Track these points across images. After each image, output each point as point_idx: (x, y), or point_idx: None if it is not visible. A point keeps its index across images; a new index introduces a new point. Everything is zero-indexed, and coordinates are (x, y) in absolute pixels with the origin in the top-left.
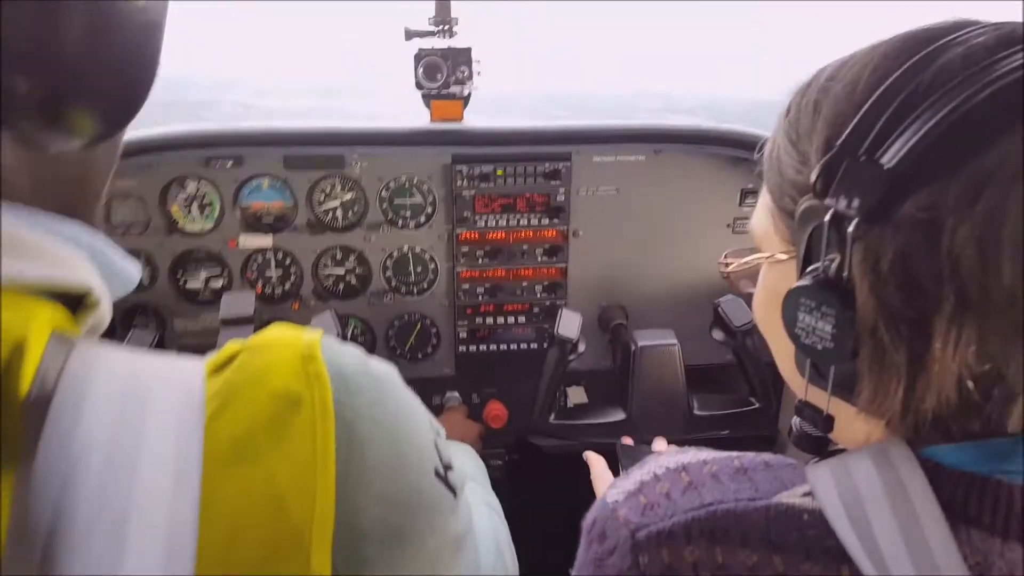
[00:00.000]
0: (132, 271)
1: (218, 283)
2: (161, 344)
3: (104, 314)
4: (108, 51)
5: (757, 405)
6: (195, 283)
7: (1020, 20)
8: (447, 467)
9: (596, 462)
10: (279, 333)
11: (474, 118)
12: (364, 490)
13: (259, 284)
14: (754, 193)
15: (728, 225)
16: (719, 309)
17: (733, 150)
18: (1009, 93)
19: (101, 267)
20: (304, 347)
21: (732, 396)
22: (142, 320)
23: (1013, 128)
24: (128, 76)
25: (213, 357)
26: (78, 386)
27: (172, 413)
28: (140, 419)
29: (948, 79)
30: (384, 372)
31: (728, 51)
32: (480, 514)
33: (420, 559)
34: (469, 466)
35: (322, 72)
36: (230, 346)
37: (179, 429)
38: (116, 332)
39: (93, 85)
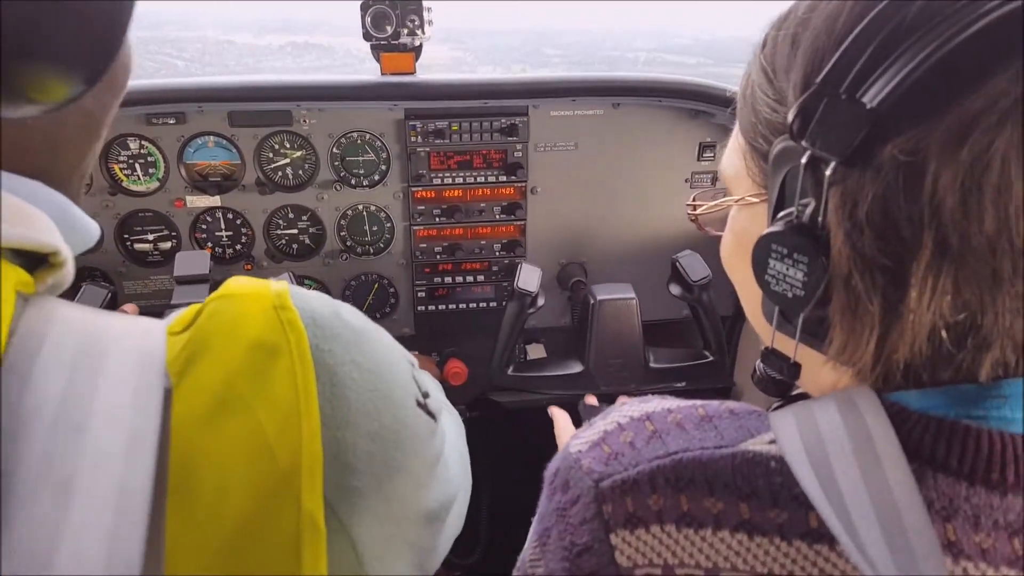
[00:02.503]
0: (92, 227)
1: (167, 244)
2: (113, 303)
3: (67, 275)
4: (50, 12)
5: (711, 358)
6: (143, 244)
7: None
8: (425, 395)
9: (560, 417)
10: (245, 283)
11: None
12: (351, 429)
13: (209, 245)
14: (712, 147)
15: (686, 180)
16: (677, 264)
17: (691, 103)
18: (1000, 29)
19: (62, 224)
20: (274, 296)
21: (687, 350)
22: (92, 281)
23: (1003, 67)
24: (76, 38)
25: (175, 317)
26: (31, 345)
27: (128, 373)
28: (93, 378)
29: (936, 13)
30: (354, 314)
31: None
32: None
33: (408, 483)
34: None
35: (297, 6)
36: (193, 307)
37: (135, 389)
38: (65, 292)
39: (35, 45)
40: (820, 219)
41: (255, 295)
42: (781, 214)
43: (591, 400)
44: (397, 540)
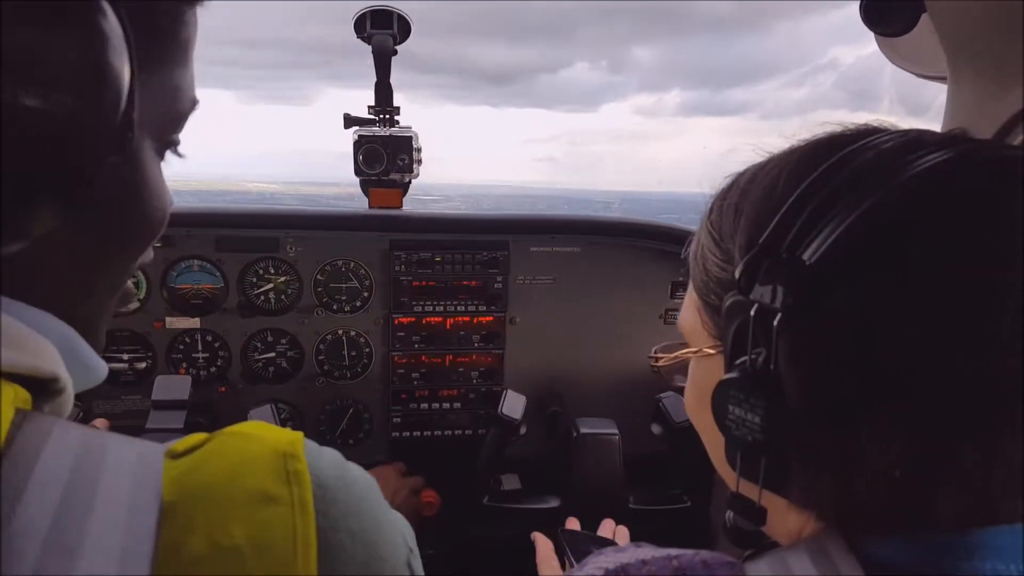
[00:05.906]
0: (100, 365)
1: (142, 364)
2: (84, 422)
3: (67, 403)
4: None
5: (689, 503)
6: (118, 364)
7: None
8: None
9: (543, 545)
10: (262, 426)
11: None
12: None
13: (184, 366)
14: (683, 285)
15: (660, 316)
16: (660, 404)
17: (661, 243)
18: (919, 192)
19: (67, 357)
20: (287, 444)
21: (667, 491)
22: None
23: (929, 219)
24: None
25: (175, 443)
26: (27, 461)
27: (124, 493)
28: (89, 498)
29: (861, 180)
30: (362, 480)
31: None
32: None
33: None
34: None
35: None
36: (201, 434)
37: (130, 509)
38: None
39: None
40: (772, 366)
41: (268, 439)
42: (737, 361)
43: (572, 524)
44: None
